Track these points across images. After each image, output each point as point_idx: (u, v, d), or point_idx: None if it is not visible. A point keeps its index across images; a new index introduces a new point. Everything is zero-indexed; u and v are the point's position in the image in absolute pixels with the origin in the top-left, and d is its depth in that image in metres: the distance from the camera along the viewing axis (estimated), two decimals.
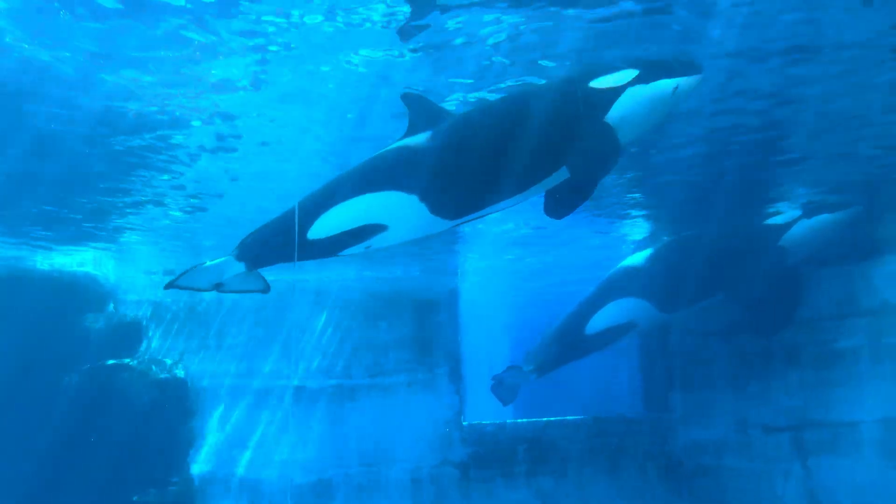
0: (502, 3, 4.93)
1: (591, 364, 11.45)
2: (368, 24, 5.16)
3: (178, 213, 9.38)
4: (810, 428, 9.62)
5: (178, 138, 7.01)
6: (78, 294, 10.28)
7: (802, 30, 5.35)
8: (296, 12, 5.03)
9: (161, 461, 9.84)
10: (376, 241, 5.56)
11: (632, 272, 9.95)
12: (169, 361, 10.45)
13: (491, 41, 5.38)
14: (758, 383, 10.34)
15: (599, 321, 9.80)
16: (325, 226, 5.48)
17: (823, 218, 8.81)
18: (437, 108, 5.52)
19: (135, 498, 9.45)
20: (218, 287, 6.00)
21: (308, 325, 11.87)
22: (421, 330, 12.12)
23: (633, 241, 11.80)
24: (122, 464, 9.45)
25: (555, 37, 5.32)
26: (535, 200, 6.38)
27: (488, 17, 5.08)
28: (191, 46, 5.40)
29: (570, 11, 5.03)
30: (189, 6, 4.92)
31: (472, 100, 6.22)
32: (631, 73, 4.61)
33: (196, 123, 6.70)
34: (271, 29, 5.20)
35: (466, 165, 5.07)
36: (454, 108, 6.23)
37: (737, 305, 9.60)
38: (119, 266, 11.25)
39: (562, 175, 4.96)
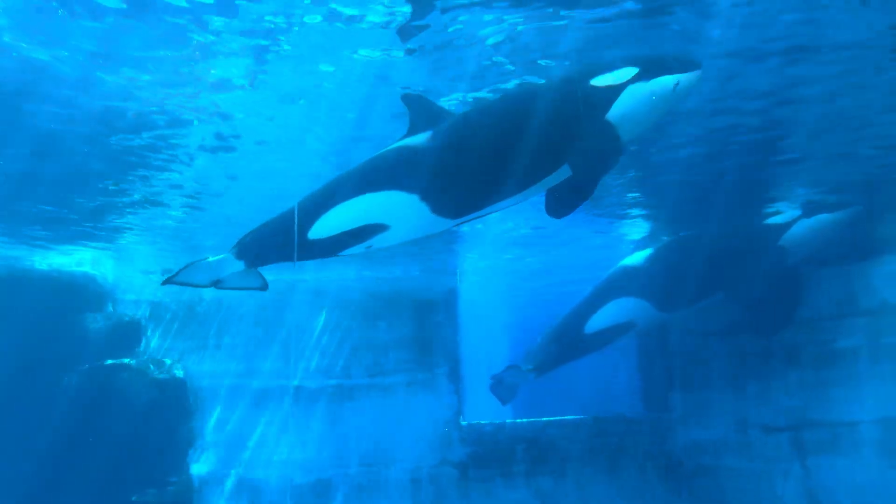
0: (502, 4, 4.93)
1: (590, 364, 11.45)
2: (368, 25, 5.15)
3: (176, 213, 9.37)
4: (810, 428, 9.62)
5: (176, 138, 7.00)
6: (76, 294, 10.26)
7: (801, 30, 5.35)
8: (295, 12, 5.02)
9: (160, 461, 9.83)
10: (377, 241, 5.56)
11: (631, 272, 9.95)
12: (168, 361, 10.44)
13: (491, 41, 5.38)
14: (757, 383, 10.34)
15: (599, 321, 9.80)
16: (325, 226, 5.48)
17: (823, 218, 8.81)
18: (438, 108, 5.52)
19: (134, 498, 9.44)
20: (216, 284, 5.99)
21: (307, 325, 11.86)
22: (420, 330, 12.11)
23: (632, 241, 11.79)
24: (121, 464, 9.44)
25: (555, 37, 5.32)
26: (535, 200, 6.38)
27: (488, 17, 5.08)
28: (190, 46, 5.39)
29: (570, 12, 5.02)
30: (188, 6, 4.92)
31: (472, 100, 6.22)
32: (631, 71, 4.62)
33: (195, 123, 6.69)
34: (271, 28, 5.20)
35: (468, 165, 5.07)
36: (454, 108, 6.22)
37: (737, 305, 9.60)
38: (118, 266, 11.24)
39: (563, 174, 4.96)
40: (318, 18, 5.09)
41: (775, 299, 9.13)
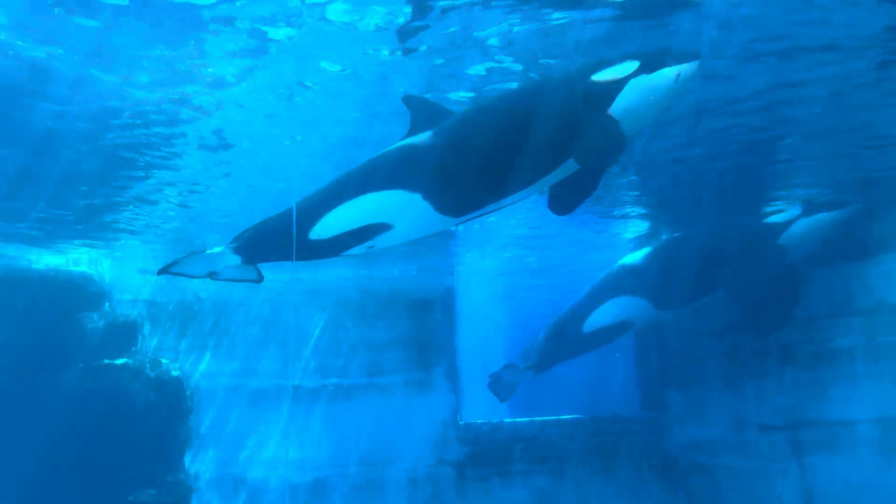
0: (503, 4, 4.92)
1: (587, 363, 11.47)
2: (368, 25, 5.14)
3: (173, 212, 9.34)
4: (806, 427, 9.64)
5: (173, 136, 6.97)
6: (73, 293, 10.21)
7: (801, 30, 5.36)
8: (295, 12, 5.01)
9: (157, 461, 9.80)
10: (380, 241, 5.55)
11: (630, 270, 9.96)
12: (165, 361, 10.40)
13: (491, 41, 5.37)
14: (754, 382, 10.35)
15: (597, 319, 9.81)
16: (327, 226, 5.47)
17: (822, 216, 8.81)
18: (439, 107, 5.51)
19: (130, 497, 9.41)
20: (212, 276, 6.00)
21: (305, 325, 11.85)
22: (418, 329, 12.11)
23: (630, 240, 11.80)
24: (118, 463, 9.41)
25: (555, 37, 5.32)
26: (533, 200, 6.37)
27: (489, 18, 5.07)
28: (187, 44, 5.37)
29: (569, 12, 5.02)
30: (186, 3, 4.89)
31: (473, 99, 6.20)
32: (632, 65, 4.63)
33: (192, 121, 6.67)
34: (269, 27, 5.18)
35: (471, 163, 5.07)
36: (455, 108, 6.21)
37: (735, 304, 9.61)
38: (114, 265, 11.21)
39: (565, 171, 4.97)
40: (318, 19, 5.07)
41: (774, 298, 9.14)
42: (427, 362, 12.03)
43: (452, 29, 5.21)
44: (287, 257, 5.63)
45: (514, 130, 4.92)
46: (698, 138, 7.25)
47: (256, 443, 11.27)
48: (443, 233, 7.63)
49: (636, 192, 9.27)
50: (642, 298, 9.69)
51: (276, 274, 9.98)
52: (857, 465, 9.01)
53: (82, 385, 9.61)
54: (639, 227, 11.05)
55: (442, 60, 5.65)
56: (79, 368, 9.75)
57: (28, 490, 9.02)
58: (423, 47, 5.43)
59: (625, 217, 10.49)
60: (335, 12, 5.01)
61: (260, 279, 6.11)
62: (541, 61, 5.67)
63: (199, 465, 10.86)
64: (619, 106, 4.65)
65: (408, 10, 4.99)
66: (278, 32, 5.24)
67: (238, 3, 4.91)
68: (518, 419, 12.03)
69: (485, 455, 11.65)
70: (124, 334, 10.43)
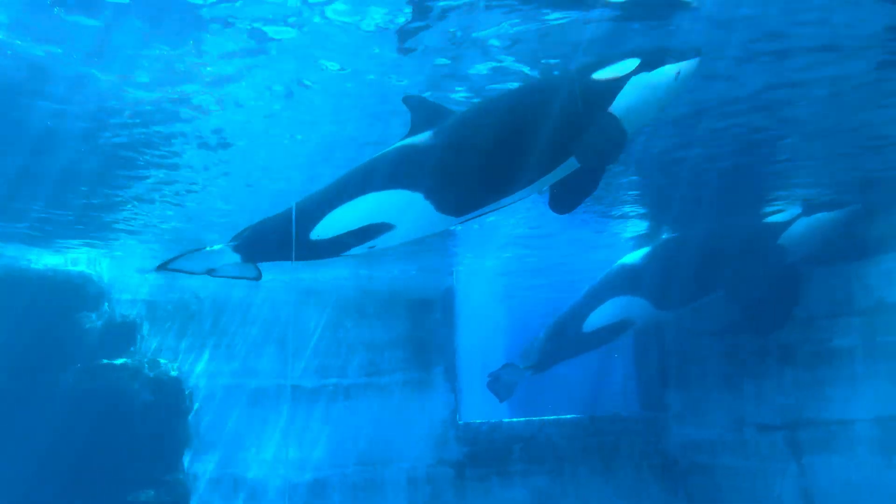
0: (503, 4, 4.92)
1: (586, 363, 11.47)
2: (368, 25, 5.13)
3: (172, 211, 9.33)
4: (805, 426, 9.65)
5: (172, 135, 6.96)
6: (72, 293, 10.21)
7: (800, 30, 5.36)
8: (295, 12, 5.00)
9: (156, 461, 9.80)
10: (381, 241, 5.55)
11: (630, 270, 9.96)
12: (163, 361, 10.40)
13: (492, 41, 5.37)
14: (753, 382, 10.36)
15: (597, 319, 9.82)
16: (328, 226, 5.46)
17: (822, 216, 8.81)
18: (439, 107, 5.51)
19: (129, 498, 9.41)
20: (210, 272, 6.01)
21: (303, 325, 11.84)
22: (417, 329, 12.11)
23: (630, 240, 11.80)
24: (117, 463, 9.40)
25: (555, 37, 5.31)
26: (533, 200, 6.37)
27: (489, 18, 5.07)
28: (187, 43, 5.36)
29: (570, 12, 5.02)
30: (186, 2, 4.88)
31: (475, 100, 6.20)
32: (633, 63, 4.63)
33: (191, 120, 6.66)
34: (269, 27, 5.17)
35: (472, 162, 5.07)
36: (456, 108, 6.21)
37: (735, 304, 9.61)
38: (113, 265, 11.19)
39: (566, 169, 4.96)
40: (318, 18, 5.06)
41: (774, 298, 9.15)
42: (426, 362, 12.03)
43: (453, 29, 5.20)
44: (287, 257, 5.63)
45: (514, 129, 4.92)
46: (698, 138, 7.25)
47: (255, 443, 11.26)
48: (442, 233, 7.62)
49: (636, 192, 9.27)
50: (642, 298, 9.69)
51: (275, 274, 9.98)
52: (856, 464, 9.02)
53: (81, 385, 9.60)
54: (638, 226, 11.05)
55: (442, 60, 5.64)
56: (77, 368, 9.74)
57: (27, 490, 9.01)
58: (424, 47, 5.42)
59: (624, 217, 10.49)
60: (335, 12, 5.00)
61: (258, 277, 6.12)
62: (542, 61, 5.66)
63: (199, 465, 10.85)
64: (619, 104, 4.65)
65: (408, 9, 4.98)
66: (278, 32, 5.23)
67: (238, 3, 4.89)
68: (517, 419, 12.03)
69: (484, 455, 11.65)
70: (123, 334, 10.43)
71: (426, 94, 5.96)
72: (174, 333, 11.35)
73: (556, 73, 5.75)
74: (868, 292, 9.04)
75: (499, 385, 10.61)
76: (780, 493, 9.91)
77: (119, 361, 9.95)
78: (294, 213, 5.52)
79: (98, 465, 9.30)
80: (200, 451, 10.90)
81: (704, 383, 11.21)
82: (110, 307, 10.57)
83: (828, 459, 9.35)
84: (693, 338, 11.37)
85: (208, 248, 5.91)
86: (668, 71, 4.60)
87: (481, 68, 5.74)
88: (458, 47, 5.44)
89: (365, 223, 5.40)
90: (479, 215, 5.50)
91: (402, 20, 5.08)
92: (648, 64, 4.61)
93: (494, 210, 5.46)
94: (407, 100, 5.46)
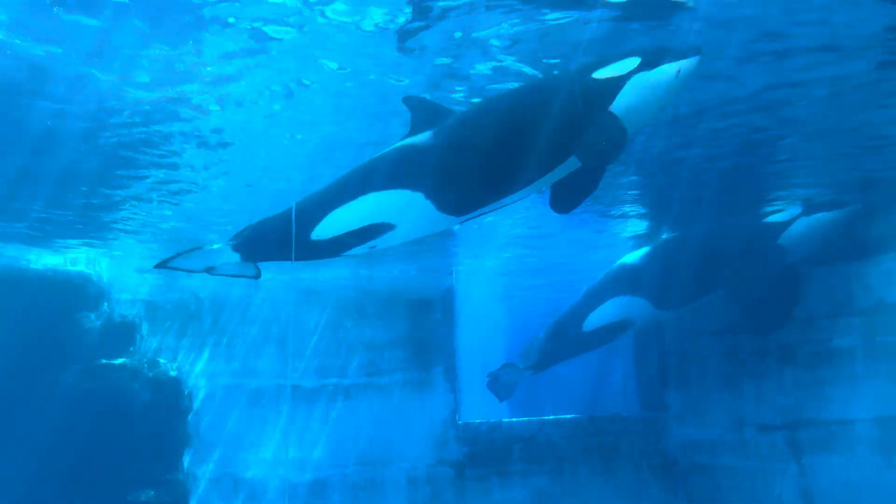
0: (503, 4, 4.92)
1: (586, 363, 11.46)
2: (368, 25, 5.13)
3: (171, 211, 9.33)
4: (805, 426, 9.65)
5: (172, 135, 6.95)
6: (71, 293, 10.20)
7: (800, 30, 5.35)
8: (295, 11, 4.99)
9: (156, 461, 9.79)
10: (382, 241, 5.55)
11: (630, 270, 9.96)
12: (163, 361, 10.40)
13: (492, 41, 5.37)
14: (752, 382, 10.36)
15: (597, 318, 9.81)
16: (329, 226, 5.46)
17: (822, 216, 8.80)
18: (439, 107, 5.51)
19: (129, 498, 9.40)
20: (209, 270, 6.01)
21: (303, 324, 11.83)
22: (417, 329, 12.11)
23: (630, 239, 11.80)
24: (117, 463, 9.40)
25: (556, 37, 5.31)
26: (532, 199, 6.37)
27: (489, 18, 5.07)
28: (186, 43, 5.36)
29: (571, 12, 5.02)
30: (186, 2, 4.88)
31: (475, 100, 6.20)
32: (633, 62, 4.63)
33: (191, 120, 6.65)
34: (269, 26, 5.17)
35: (473, 161, 5.07)
36: (457, 109, 6.20)
37: (735, 304, 9.61)
38: (112, 264, 11.19)
39: (566, 168, 4.96)
40: (318, 18, 5.06)
41: (774, 298, 9.14)
42: (426, 362, 12.03)
43: (452, 29, 5.20)
44: (287, 257, 5.62)
45: (515, 129, 4.92)
46: (698, 138, 7.25)
47: (255, 442, 11.26)
48: (442, 232, 7.62)
49: (636, 192, 9.26)
50: (642, 298, 9.69)
51: (275, 274, 9.97)
52: (856, 464, 9.02)
53: (81, 385, 9.60)
54: (638, 226, 11.05)
55: (442, 60, 5.64)
56: (77, 368, 9.74)
57: (27, 490, 9.01)
58: (423, 47, 5.42)
59: (624, 216, 10.48)
60: (335, 12, 5.00)
61: (258, 275, 6.13)
62: (542, 61, 5.66)
63: (198, 465, 10.84)
64: (620, 103, 4.64)
65: (408, 9, 4.98)
66: (278, 32, 5.22)
67: (238, 3, 4.89)
68: (517, 419, 12.03)
69: (484, 455, 11.65)
70: (123, 334, 10.43)
71: (426, 95, 5.96)
72: (174, 333, 11.34)
73: (555, 72, 5.75)
74: (868, 292, 9.04)
75: (498, 385, 10.61)
76: (780, 493, 9.91)
77: (118, 361, 9.94)
78: (294, 213, 5.52)
79: (98, 466, 9.29)
80: (200, 451, 10.89)
81: (704, 383, 11.21)
82: (110, 307, 10.57)
83: (828, 459, 9.35)
84: (693, 338, 11.37)
85: (206, 248, 5.92)
86: (669, 70, 4.60)
87: (481, 68, 5.74)
88: (458, 47, 5.44)
89: (366, 223, 5.40)
90: (480, 215, 5.49)
91: (402, 20, 5.08)
92: (649, 63, 4.61)
93: (495, 210, 5.46)
94: (407, 100, 5.46)
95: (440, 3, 4.91)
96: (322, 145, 7.27)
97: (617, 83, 4.63)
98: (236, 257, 5.89)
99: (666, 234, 11.15)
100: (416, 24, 5.11)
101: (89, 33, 5.17)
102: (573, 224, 10.88)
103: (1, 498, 8.99)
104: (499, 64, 5.67)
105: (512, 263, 14.54)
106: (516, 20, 5.11)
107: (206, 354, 11.42)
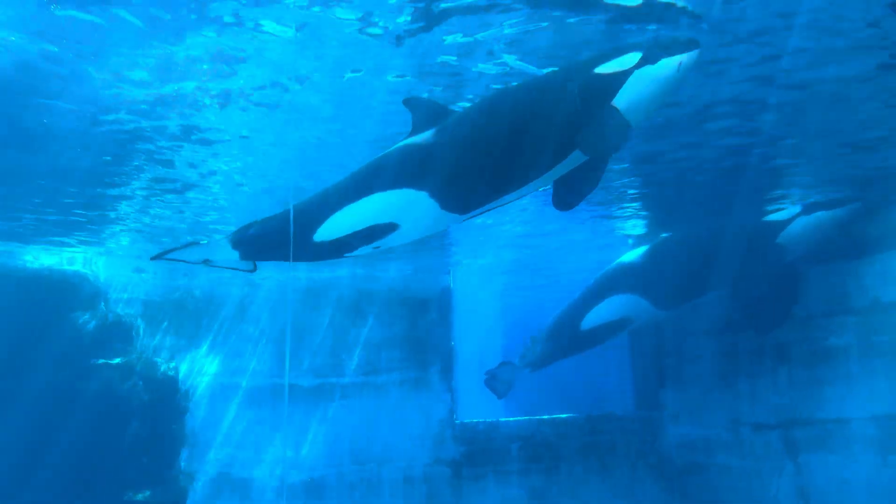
0: (503, 4, 4.90)
1: (583, 362, 11.47)
2: (370, 24, 5.10)
3: (168, 210, 9.28)
4: (801, 425, 9.68)
5: (168, 133, 6.91)
6: (68, 292, 10.16)
7: (800, 31, 5.35)
8: (295, 10, 4.96)
9: (152, 460, 9.77)
10: (387, 241, 5.53)
11: (628, 268, 9.96)
12: (160, 360, 10.37)
13: (494, 42, 5.35)
14: (748, 381, 10.39)
15: (595, 317, 9.81)
16: (333, 227, 5.44)
17: (821, 215, 8.81)
18: (441, 106, 5.49)
19: (126, 496, 9.37)
20: (206, 262, 6.02)
21: (300, 323, 11.81)
22: (414, 328, 12.10)
23: (629, 238, 11.80)
24: (113, 463, 9.37)
25: (557, 37, 5.30)
26: (530, 199, 6.35)
27: (490, 18, 5.05)
28: (183, 41, 5.32)
29: (571, 13, 5.01)
30: (182, 1, 4.85)
31: (475, 100, 6.18)
32: (635, 57, 4.63)
33: (188, 118, 6.61)
34: (268, 25, 5.14)
35: (476, 158, 5.06)
36: (457, 108, 6.18)
37: (734, 302, 9.62)
38: (109, 263, 11.14)
39: (570, 164, 4.96)
40: (318, 18, 5.03)
41: (773, 297, 9.16)
42: (423, 361, 12.02)
43: (453, 29, 5.18)
44: (286, 258, 5.60)
45: (518, 125, 4.91)
46: (698, 138, 7.25)
47: (252, 442, 11.23)
48: (441, 232, 7.61)
49: (635, 191, 9.26)
50: (640, 297, 9.69)
51: (272, 273, 9.95)
52: (851, 463, 9.05)
53: (77, 384, 9.55)
54: (637, 225, 11.05)
55: (443, 60, 5.62)
56: (73, 367, 9.69)
57: (23, 489, 8.96)
58: (423, 47, 5.40)
59: (624, 216, 10.48)
60: (335, 12, 4.97)
61: (254, 269, 6.13)
62: (543, 61, 5.65)
63: (195, 463, 10.82)
64: (623, 97, 4.65)
65: (408, 10, 4.96)
66: (277, 30, 5.19)
67: (236, 1, 4.86)
68: (514, 418, 12.03)
69: (480, 454, 11.65)
70: (119, 333, 10.39)
71: (426, 95, 5.93)
72: (171, 332, 11.30)
73: (558, 68, 5.73)
74: (864, 291, 9.07)
75: (496, 382, 10.61)
76: (776, 492, 9.94)
77: (115, 360, 9.90)
78: (292, 213, 5.50)
79: (94, 465, 9.26)
80: (197, 450, 10.87)
81: (700, 382, 11.23)
82: (106, 306, 10.52)
83: (824, 458, 9.38)
84: (689, 337, 11.39)
85: (203, 242, 5.97)
86: (670, 63, 4.61)
87: (482, 68, 5.73)
88: (459, 47, 5.42)
89: (370, 224, 5.38)
90: (484, 212, 5.48)
91: (402, 20, 5.06)
92: (650, 57, 4.62)
93: (499, 206, 5.44)
94: (408, 101, 5.45)
95: (440, 4, 4.89)
96: (321, 145, 7.24)
97: (619, 78, 4.63)
98: (235, 255, 5.88)
99: (665, 233, 11.15)
100: (417, 24, 5.09)
101: (85, 30, 5.13)
102: (572, 223, 10.88)
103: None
104: (500, 64, 5.66)
105: (509, 263, 14.54)
106: (516, 20, 5.10)
107: (203, 353, 11.39)
